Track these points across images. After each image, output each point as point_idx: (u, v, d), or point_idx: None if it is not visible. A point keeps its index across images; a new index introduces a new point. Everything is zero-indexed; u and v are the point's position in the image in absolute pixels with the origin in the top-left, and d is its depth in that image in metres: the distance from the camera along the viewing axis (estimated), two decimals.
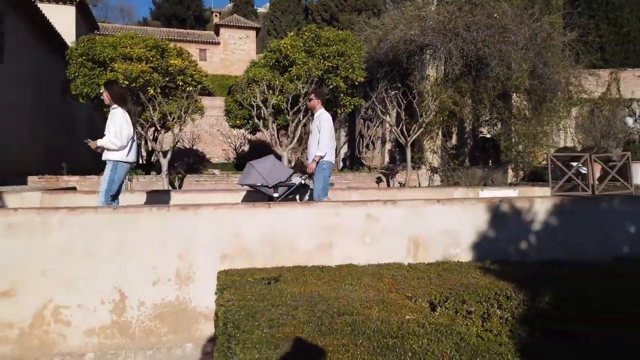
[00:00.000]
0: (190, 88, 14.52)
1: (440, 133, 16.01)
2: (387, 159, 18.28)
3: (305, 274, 3.14)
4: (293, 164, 25.68)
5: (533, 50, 13.87)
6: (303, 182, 6.62)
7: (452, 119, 16.77)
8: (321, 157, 6.19)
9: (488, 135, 18.47)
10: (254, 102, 13.37)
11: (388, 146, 18.34)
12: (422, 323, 1.99)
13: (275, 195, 6.36)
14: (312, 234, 4.77)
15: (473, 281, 2.93)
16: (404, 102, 14.24)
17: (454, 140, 18.44)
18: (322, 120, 6.29)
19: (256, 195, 6.92)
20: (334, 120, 21.13)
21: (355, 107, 16.65)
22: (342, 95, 14.99)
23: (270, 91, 13.68)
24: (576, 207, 5.51)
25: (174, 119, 13.84)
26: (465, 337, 1.80)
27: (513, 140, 15.66)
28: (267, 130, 13.78)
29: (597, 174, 12.09)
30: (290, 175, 6.60)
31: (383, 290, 2.70)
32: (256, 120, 13.82)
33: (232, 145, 27.00)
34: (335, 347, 1.69)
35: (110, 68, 13.64)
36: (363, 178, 14.99)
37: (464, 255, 5.15)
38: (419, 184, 14.72)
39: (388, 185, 14.61)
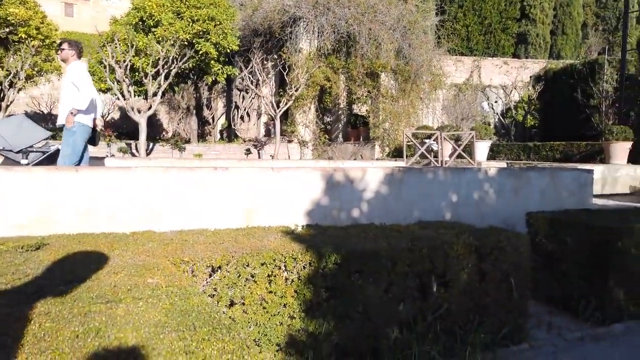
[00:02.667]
0: (36, 42, 12.81)
1: (312, 107, 16.19)
2: (262, 131, 18.09)
3: (83, 240, 2.82)
4: (171, 133, 24.35)
5: (400, 31, 14.50)
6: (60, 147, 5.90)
7: (326, 95, 17.05)
8: (79, 111, 5.38)
9: (360, 112, 19.16)
10: (105, 61, 12.21)
11: (264, 119, 18.13)
12: (160, 286, 1.82)
13: (24, 162, 5.49)
14: (136, 202, 4.41)
15: (266, 244, 2.86)
16: (274, 72, 14.10)
17: (330, 117, 18.83)
18: (81, 74, 5.51)
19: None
20: (210, 89, 20.35)
21: (229, 76, 16.12)
22: (213, 62, 14.37)
23: (133, 52, 12.61)
24: (405, 177, 5.80)
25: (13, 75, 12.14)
26: (191, 297, 1.67)
27: (381, 118, 16.41)
28: (120, 93, 12.71)
29: (448, 151, 13.17)
30: (47, 139, 5.80)
31: (158, 255, 2.50)
32: (109, 82, 12.67)
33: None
34: (26, 316, 1.45)
35: None
36: (234, 150, 14.66)
37: (298, 222, 5.15)
38: (289, 157, 14.80)
39: (259, 157, 14.48)
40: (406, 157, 11.72)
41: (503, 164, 12.71)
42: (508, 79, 23.42)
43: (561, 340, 3.46)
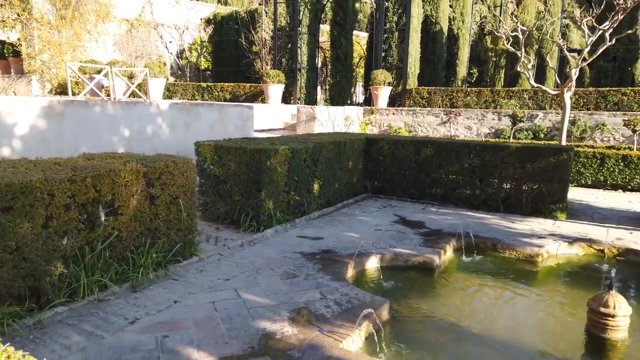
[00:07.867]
0: None
1: None
2: None
3: None
4: None
5: None
6: None
7: None
8: None
9: (10, 40, 15.84)
10: None
11: None
12: None
13: None
14: None
15: None
16: None
17: None
18: None
19: None
20: None
21: None
22: None
23: None
24: (68, 110, 5.25)
25: None
26: None
27: (37, 48, 14.01)
28: None
29: (122, 88, 12.47)
30: None
31: None
32: None
33: None
34: None
35: None
36: None
37: None
38: None
39: None
40: (72, 95, 10.49)
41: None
42: (180, 19, 23.45)
43: (225, 249, 3.97)
